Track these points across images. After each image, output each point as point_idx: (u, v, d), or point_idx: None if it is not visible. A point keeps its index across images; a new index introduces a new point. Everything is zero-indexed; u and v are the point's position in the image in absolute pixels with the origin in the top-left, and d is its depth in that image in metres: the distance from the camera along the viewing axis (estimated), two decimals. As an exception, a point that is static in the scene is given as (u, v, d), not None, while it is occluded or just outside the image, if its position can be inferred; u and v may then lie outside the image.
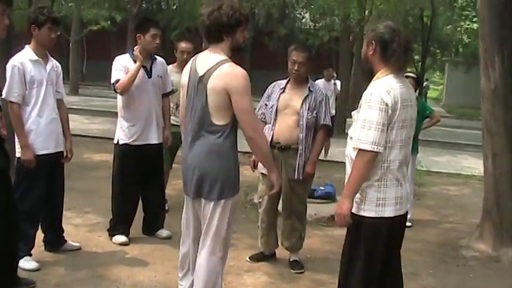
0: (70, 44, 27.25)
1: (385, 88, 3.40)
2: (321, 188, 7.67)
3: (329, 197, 7.60)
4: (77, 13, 26.80)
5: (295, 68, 5.20)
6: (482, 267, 5.85)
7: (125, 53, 5.78)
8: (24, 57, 4.85)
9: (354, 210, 3.50)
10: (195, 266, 3.92)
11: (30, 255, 4.98)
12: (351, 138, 3.53)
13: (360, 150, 3.39)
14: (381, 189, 3.49)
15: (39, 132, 4.90)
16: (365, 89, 3.53)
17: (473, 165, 11.98)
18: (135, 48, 5.58)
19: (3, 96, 4.80)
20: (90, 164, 9.65)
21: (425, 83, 35.32)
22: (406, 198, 3.63)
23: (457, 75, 33.97)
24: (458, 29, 20.91)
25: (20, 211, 4.51)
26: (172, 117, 6.30)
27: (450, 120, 26.07)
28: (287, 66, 5.29)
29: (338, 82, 15.00)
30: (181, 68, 5.50)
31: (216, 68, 3.67)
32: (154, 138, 5.71)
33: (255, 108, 4.73)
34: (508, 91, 6.17)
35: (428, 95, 38.06)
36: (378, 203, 3.50)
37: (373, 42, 3.55)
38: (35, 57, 4.87)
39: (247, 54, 29.27)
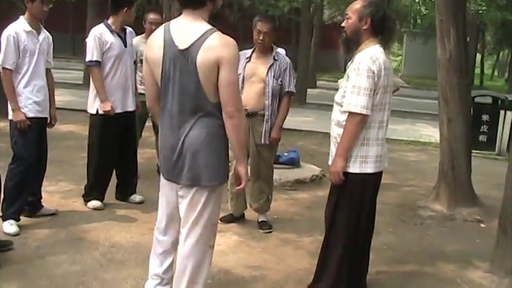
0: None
1: (371, 57, 3.76)
2: (285, 154, 7.94)
3: (293, 163, 7.89)
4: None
5: (261, 38, 5.41)
6: (438, 225, 6.25)
7: (100, 23, 5.94)
8: (19, 28, 5.15)
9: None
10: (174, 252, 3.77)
11: (16, 220, 5.23)
12: (337, 103, 3.95)
13: (350, 113, 3.76)
14: (364, 148, 3.86)
15: (27, 97, 5.18)
16: (348, 60, 3.97)
17: (431, 133, 12.42)
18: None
19: None
20: (58, 135, 9.69)
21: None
22: (385, 157, 4.00)
23: (415, 46, 34.35)
24: (416, 0, 21.19)
25: (12, 175, 5.12)
26: (140, 86, 6.52)
27: (408, 90, 26.54)
28: (249, 37, 5.51)
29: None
30: (150, 39, 5.71)
31: (204, 38, 3.25)
32: (131, 106, 5.94)
33: None
34: (462, 60, 6.53)
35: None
36: (362, 161, 3.87)
37: (369, 18, 3.87)
38: (28, 28, 5.18)
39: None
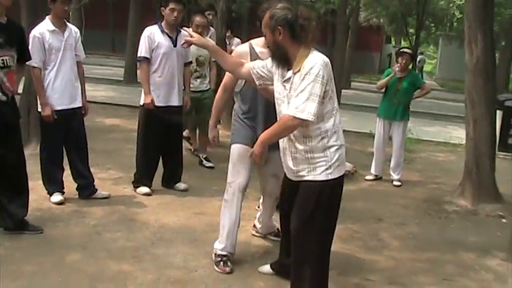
0: (70, 13, 27.53)
1: (323, 61, 3.66)
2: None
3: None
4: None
5: None
6: (462, 220, 6.64)
7: (154, 23, 6.45)
8: (43, 28, 5.71)
9: (308, 178, 3.83)
10: None
11: (61, 192, 5.97)
12: (288, 102, 3.76)
13: (294, 116, 3.62)
14: (328, 156, 3.78)
15: (55, 91, 5.76)
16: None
17: (461, 135, 12.53)
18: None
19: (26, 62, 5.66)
20: (103, 128, 10.32)
21: (420, 57, 35.78)
22: (344, 158, 3.93)
23: (450, 49, 34.30)
24: (451, 4, 21.40)
25: (45, 157, 5.88)
26: (192, 85, 7.13)
27: (442, 93, 26.76)
28: None
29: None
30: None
31: None
32: (175, 101, 6.43)
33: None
34: (488, 64, 6.92)
35: (423, 68, 38.62)
36: (327, 167, 3.79)
37: (279, 27, 3.70)
38: (52, 27, 5.73)
39: (244, 25, 29.69)
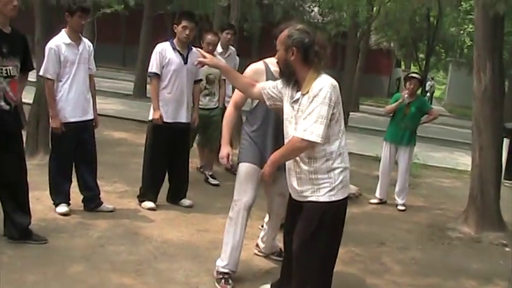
0: (83, 26, 27.73)
1: (331, 84, 3.72)
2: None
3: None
4: (90, -5, 27.26)
5: None
6: (465, 246, 6.64)
7: (165, 40, 6.52)
8: (59, 41, 5.79)
9: (311, 199, 3.87)
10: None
11: (67, 204, 6.00)
12: (296, 123, 3.84)
13: (302, 139, 3.70)
14: (332, 178, 3.83)
15: (68, 103, 5.83)
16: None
17: (468, 161, 12.46)
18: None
19: (40, 74, 5.88)
20: (111, 141, 10.38)
21: (429, 82, 35.84)
22: (348, 180, 3.98)
23: (459, 75, 34.32)
24: (462, 32, 21.44)
25: (55, 168, 5.92)
26: (201, 102, 7.17)
27: (450, 119, 26.77)
28: None
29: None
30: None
31: None
32: (183, 118, 6.48)
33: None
34: (495, 93, 6.95)
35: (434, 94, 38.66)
36: (331, 188, 3.83)
37: (294, 48, 3.77)
38: (68, 40, 5.80)
39: (255, 44, 29.88)
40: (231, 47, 8.55)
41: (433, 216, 7.84)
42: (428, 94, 35.75)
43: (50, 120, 5.88)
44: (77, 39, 5.87)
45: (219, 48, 8.16)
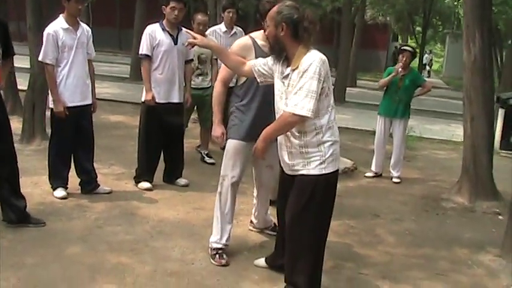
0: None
1: (321, 59, 3.76)
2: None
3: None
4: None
5: None
6: (458, 216, 6.73)
7: (156, 22, 6.54)
8: (57, 26, 5.81)
9: (302, 172, 3.94)
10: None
11: (65, 187, 6.08)
12: (286, 98, 3.88)
13: (293, 113, 3.75)
14: (322, 151, 3.89)
15: (67, 88, 5.88)
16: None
17: (464, 133, 12.73)
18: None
19: (39, 59, 5.87)
20: (108, 124, 10.45)
21: (426, 55, 35.78)
22: (338, 153, 4.05)
23: (457, 47, 34.10)
24: (456, 3, 21.43)
25: (54, 153, 5.97)
26: (193, 82, 7.20)
27: (448, 91, 26.78)
28: None
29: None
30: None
31: None
32: (176, 98, 6.54)
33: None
34: (485, 63, 7.01)
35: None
36: (322, 161, 3.89)
37: (284, 24, 3.81)
38: (66, 25, 5.83)
39: (251, 23, 29.77)
40: (237, 27, 8.39)
41: (427, 188, 7.92)
42: (428, 67, 35.72)
43: (51, 104, 5.90)
44: (74, 24, 5.90)
45: (223, 27, 8.14)
